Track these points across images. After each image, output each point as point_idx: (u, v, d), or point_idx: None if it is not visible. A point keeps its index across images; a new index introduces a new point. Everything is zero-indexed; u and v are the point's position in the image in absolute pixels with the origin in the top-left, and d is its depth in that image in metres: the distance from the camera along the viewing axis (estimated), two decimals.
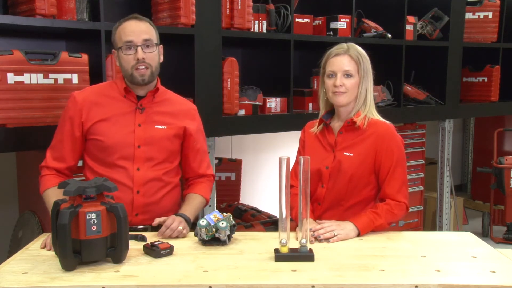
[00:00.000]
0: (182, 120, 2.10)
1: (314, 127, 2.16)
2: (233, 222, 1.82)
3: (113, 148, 2.00)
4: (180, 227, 1.89)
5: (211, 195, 2.25)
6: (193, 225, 1.97)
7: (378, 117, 2.08)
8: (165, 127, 2.06)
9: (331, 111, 2.15)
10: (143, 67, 1.96)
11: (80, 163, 2.11)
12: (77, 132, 2.01)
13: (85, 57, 2.39)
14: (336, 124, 2.12)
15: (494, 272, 1.59)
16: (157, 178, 2.04)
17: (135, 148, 2.01)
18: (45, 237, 1.82)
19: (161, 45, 2.07)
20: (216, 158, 3.32)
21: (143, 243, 1.74)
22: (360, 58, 2.02)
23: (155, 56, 2.00)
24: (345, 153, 2.05)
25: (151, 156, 2.03)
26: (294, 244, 1.70)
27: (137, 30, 1.96)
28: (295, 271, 1.56)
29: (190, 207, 2.06)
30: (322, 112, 2.16)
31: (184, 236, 1.90)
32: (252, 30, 3.01)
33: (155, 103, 2.07)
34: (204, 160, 2.20)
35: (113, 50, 2.04)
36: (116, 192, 1.96)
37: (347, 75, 2.01)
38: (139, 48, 1.95)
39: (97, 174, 1.99)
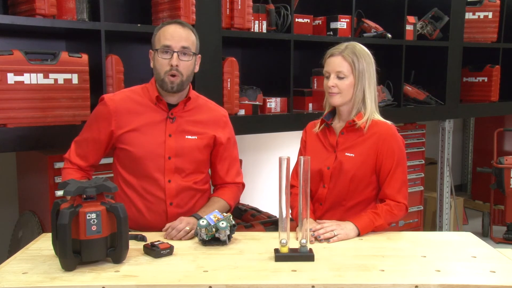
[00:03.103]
0: (212, 129, 2.06)
1: (315, 127, 2.16)
2: (233, 222, 1.82)
3: (144, 159, 1.97)
4: (187, 228, 1.85)
5: (236, 201, 2.19)
6: None
7: (379, 117, 2.08)
8: (196, 137, 2.02)
9: (333, 111, 2.14)
10: (175, 74, 1.93)
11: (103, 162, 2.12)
12: (103, 137, 1.99)
13: (85, 57, 2.39)
14: (338, 125, 2.11)
15: (494, 272, 1.59)
16: (189, 188, 2.02)
17: (165, 159, 1.97)
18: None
19: (199, 55, 2.04)
20: None
21: (143, 243, 1.74)
22: (354, 59, 1.99)
23: (189, 65, 1.96)
24: (346, 153, 2.04)
25: (181, 167, 2.00)
26: (294, 244, 1.70)
27: (177, 36, 1.93)
28: (295, 271, 1.56)
29: (207, 209, 2.01)
30: (326, 111, 2.15)
31: (191, 237, 1.85)
32: (252, 30, 3.01)
33: (186, 111, 2.03)
34: (233, 167, 2.15)
35: (150, 50, 2.01)
36: (150, 203, 1.98)
37: (339, 76, 2.00)
38: (175, 54, 1.92)
39: (129, 184, 2.00)
